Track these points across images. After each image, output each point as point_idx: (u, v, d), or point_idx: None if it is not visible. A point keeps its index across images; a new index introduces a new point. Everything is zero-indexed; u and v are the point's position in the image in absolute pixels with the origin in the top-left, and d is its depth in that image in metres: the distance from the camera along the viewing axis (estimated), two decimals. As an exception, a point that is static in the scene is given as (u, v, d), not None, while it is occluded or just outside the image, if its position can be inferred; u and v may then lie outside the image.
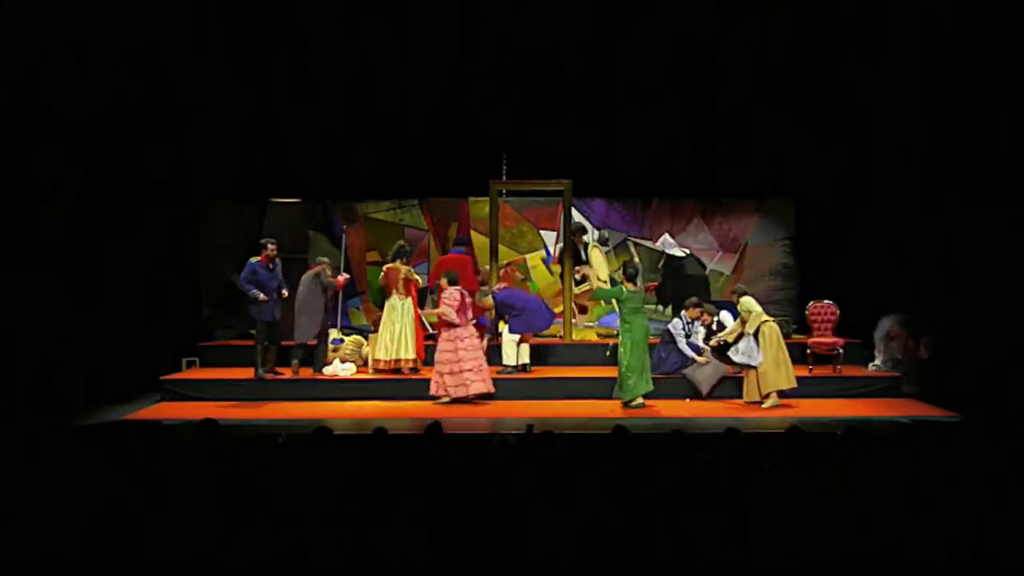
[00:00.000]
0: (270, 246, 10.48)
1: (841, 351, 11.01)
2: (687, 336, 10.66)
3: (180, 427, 8.58)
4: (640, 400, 9.88)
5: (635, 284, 9.97)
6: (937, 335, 10.57)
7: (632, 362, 9.80)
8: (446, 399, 10.09)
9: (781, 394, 9.94)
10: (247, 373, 10.61)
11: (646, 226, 13.29)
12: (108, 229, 10.51)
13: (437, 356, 10.17)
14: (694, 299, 10.93)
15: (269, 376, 10.67)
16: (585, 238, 12.27)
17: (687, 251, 12.82)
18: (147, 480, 5.29)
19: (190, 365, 11.70)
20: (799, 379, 10.55)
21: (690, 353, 10.58)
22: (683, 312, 10.78)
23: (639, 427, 7.08)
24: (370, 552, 4.39)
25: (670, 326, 10.82)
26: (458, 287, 10.28)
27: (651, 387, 9.88)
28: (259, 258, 10.42)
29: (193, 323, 12.42)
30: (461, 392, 10.05)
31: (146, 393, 10.73)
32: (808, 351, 11.09)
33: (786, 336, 11.93)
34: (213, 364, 11.56)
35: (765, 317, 9.97)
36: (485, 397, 10.18)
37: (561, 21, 11.50)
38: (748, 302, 10.02)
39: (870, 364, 11.22)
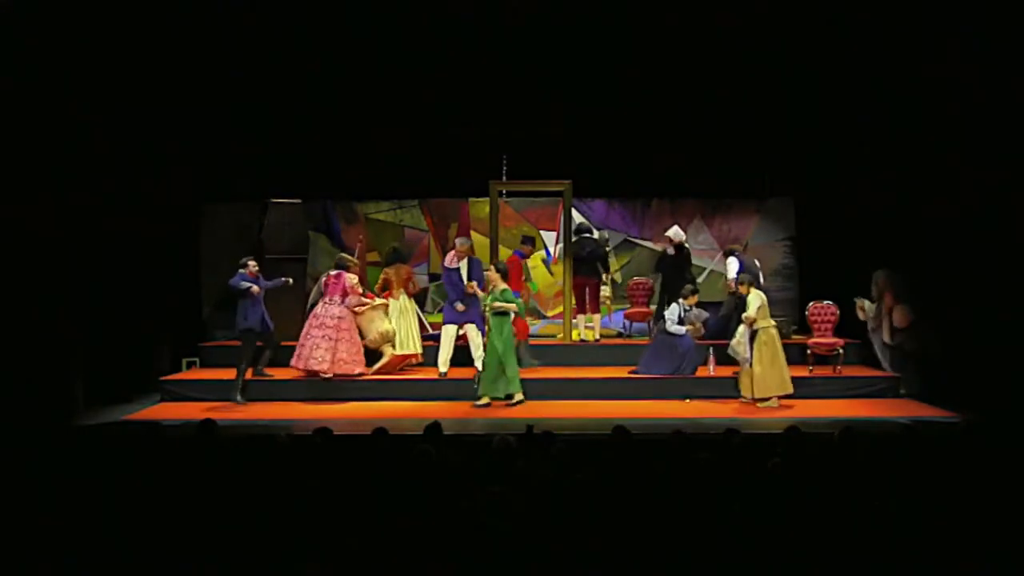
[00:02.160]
0: (251, 263, 10.51)
1: (841, 351, 11.01)
2: (681, 323, 10.71)
3: (180, 427, 8.60)
4: (487, 400, 10.02)
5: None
6: (920, 310, 10.59)
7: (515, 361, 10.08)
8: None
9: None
10: (246, 373, 10.58)
11: (646, 226, 13.29)
12: (108, 229, 10.50)
13: None
14: (690, 287, 11.04)
15: (257, 377, 10.70)
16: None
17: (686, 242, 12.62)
18: (147, 480, 5.30)
19: (190, 365, 11.70)
20: (799, 380, 10.59)
21: (679, 330, 10.66)
22: (680, 299, 10.82)
23: (639, 427, 7.07)
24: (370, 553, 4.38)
25: (667, 312, 10.82)
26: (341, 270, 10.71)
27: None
28: (245, 271, 10.44)
29: (193, 323, 12.41)
30: (300, 364, 10.48)
31: (146, 393, 10.74)
32: (808, 351, 11.09)
33: (786, 337, 11.98)
34: (213, 364, 11.55)
35: (767, 323, 9.95)
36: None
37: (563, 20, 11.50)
38: (757, 297, 10.05)
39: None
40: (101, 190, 10.36)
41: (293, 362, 10.52)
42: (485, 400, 10.04)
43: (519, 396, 10.07)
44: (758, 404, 9.92)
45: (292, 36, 11.38)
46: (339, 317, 10.52)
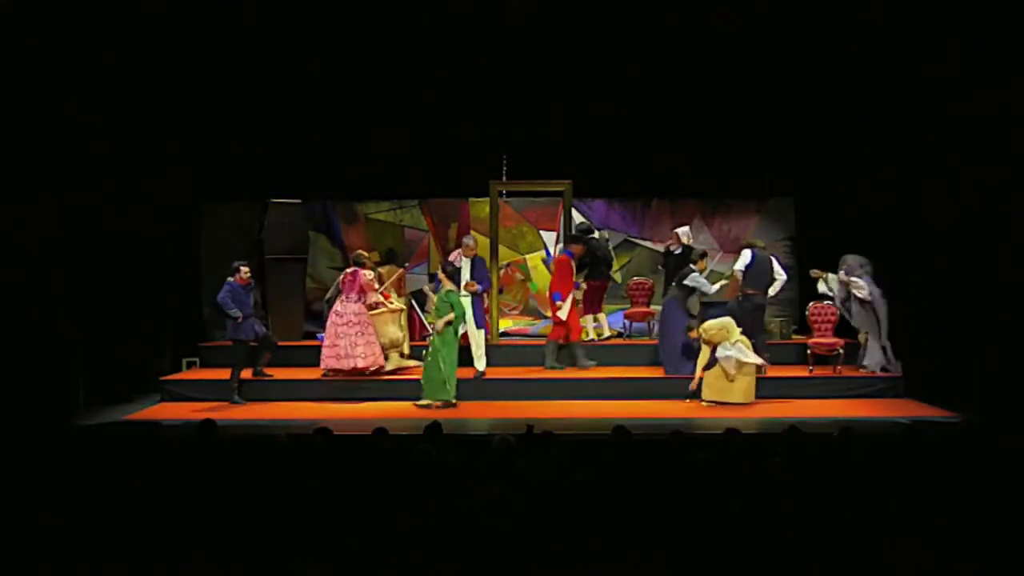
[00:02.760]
0: (243, 269, 10.48)
1: (841, 352, 11.00)
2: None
3: (180, 428, 8.60)
4: (428, 402, 10.02)
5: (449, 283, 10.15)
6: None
7: (454, 364, 10.03)
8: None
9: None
10: (246, 373, 10.58)
11: (646, 226, 13.28)
12: (108, 229, 10.50)
13: None
14: (701, 250, 11.13)
15: (257, 378, 10.70)
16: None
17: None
18: (147, 480, 5.30)
19: (190, 365, 11.69)
20: (799, 380, 10.62)
21: (712, 288, 10.69)
22: (692, 265, 10.84)
23: (639, 427, 7.06)
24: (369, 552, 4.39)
25: (688, 280, 10.73)
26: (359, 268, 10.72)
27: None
28: (235, 279, 10.39)
29: (193, 323, 12.41)
30: (331, 364, 10.49)
31: (146, 393, 10.73)
32: (808, 352, 11.07)
33: (786, 337, 11.99)
34: (213, 364, 11.54)
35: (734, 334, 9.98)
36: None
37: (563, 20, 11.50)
38: (715, 324, 10.05)
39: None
40: (101, 190, 10.36)
41: (332, 364, 10.46)
42: (426, 401, 10.00)
43: (452, 402, 10.03)
44: (702, 402, 9.96)
45: (292, 36, 11.38)
46: (360, 314, 10.57)
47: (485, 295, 11.03)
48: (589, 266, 11.89)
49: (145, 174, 11.06)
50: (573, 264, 11.44)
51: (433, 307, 10.34)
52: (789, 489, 5.06)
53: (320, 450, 6.07)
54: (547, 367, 11.16)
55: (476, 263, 10.92)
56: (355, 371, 10.49)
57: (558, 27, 11.54)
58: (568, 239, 11.90)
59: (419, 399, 10.09)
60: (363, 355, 10.44)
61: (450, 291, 10.09)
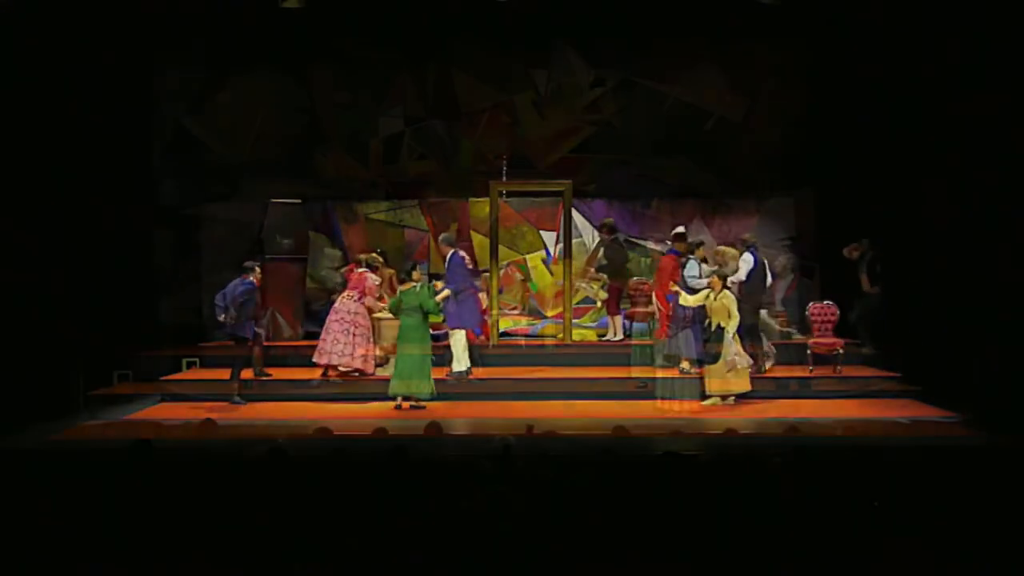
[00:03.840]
0: (258, 269, 10.44)
1: (841, 352, 10.98)
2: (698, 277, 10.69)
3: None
4: (400, 401, 9.85)
5: (410, 281, 9.95)
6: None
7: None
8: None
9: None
10: (246, 373, 10.57)
11: (646, 226, 13.26)
12: (108, 229, 10.51)
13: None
14: (698, 239, 11.20)
15: (258, 378, 10.70)
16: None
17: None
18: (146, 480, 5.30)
19: (190, 365, 11.68)
20: (800, 380, 10.61)
21: (701, 283, 10.50)
22: (691, 255, 10.81)
23: (639, 427, 7.07)
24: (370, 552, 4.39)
25: (686, 271, 10.66)
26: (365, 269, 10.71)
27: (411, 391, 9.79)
28: (253, 278, 10.30)
29: (193, 323, 12.40)
30: (314, 357, 10.45)
31: (145, 394, 10.73)
32: (808, 352, 11.06)
33: (786, 337, 11.97)
34: (213, 364, 11.51)
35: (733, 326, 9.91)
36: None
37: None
38: (729, 298, 9.96)
39: None
40: (101, 190, 10.37)
41: (316, 358, 10.51)
42: (424, 403, 9.86)
43: (399, 400, 9.90)
44: (704, 402, 9.89)
45: (292, 36, 11.39)
46: (355, 312, 10.55)
47: (480, 295, 10.96)
48: (612, 267, 11.83)
49: (145, 174, 11.07)
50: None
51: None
52: (789, 489, 5.06)
53: (319, 452, 6.05)
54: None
55: (450, 262, 10.76)
56: (333, 369, 10.49)
57: (558, 27, 11.55)
58: (675, 237, 11.39)
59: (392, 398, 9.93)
60: (340, 353, 10.41)
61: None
